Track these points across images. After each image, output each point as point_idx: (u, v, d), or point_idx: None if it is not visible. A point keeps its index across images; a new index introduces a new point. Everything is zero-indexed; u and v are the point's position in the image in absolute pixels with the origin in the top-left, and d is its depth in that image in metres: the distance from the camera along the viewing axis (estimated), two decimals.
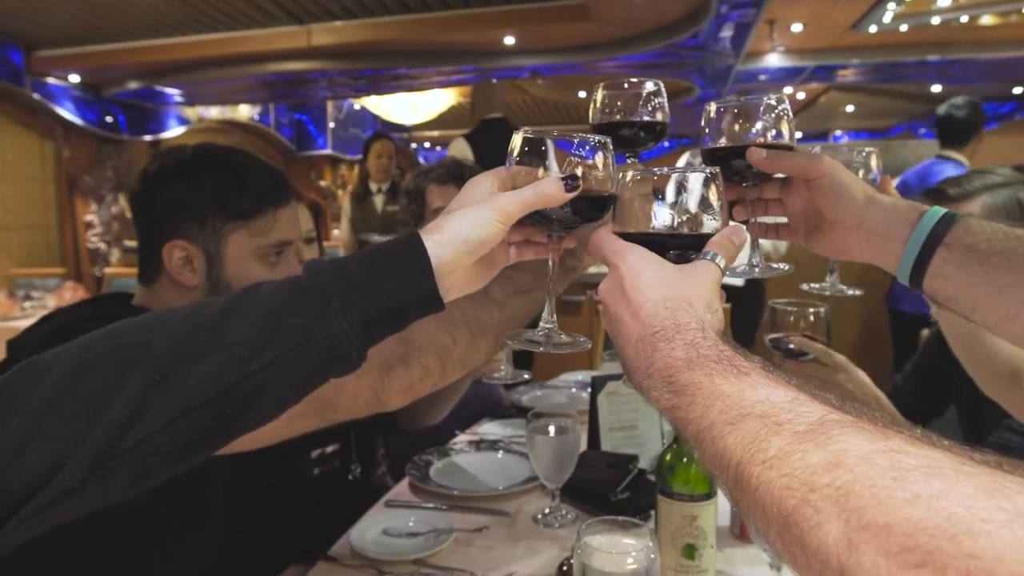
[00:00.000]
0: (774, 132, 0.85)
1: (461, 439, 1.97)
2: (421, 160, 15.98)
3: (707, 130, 0.89)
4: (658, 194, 0.72)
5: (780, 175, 0.86)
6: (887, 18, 6.39)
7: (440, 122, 12.14)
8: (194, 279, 1.20)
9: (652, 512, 1.47)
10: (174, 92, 8.54)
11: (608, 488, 1.52)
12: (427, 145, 15.94)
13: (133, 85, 7.90)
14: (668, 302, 0.64)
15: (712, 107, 0.89)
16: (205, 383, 0.61)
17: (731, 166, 0.86)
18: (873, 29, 6.65)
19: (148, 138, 8.85)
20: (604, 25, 6.11)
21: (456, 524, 1.44)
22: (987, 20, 6.58)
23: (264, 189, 1.23)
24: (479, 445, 1.88)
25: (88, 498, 0.61)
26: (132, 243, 7.17)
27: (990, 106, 10.91)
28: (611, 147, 0.77)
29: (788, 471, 0.46)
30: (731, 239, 0.70)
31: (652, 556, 0.93)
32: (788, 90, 9.73)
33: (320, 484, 1.57)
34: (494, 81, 6.88)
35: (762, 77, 8.67)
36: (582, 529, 0.97)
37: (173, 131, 9.18)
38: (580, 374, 2.59)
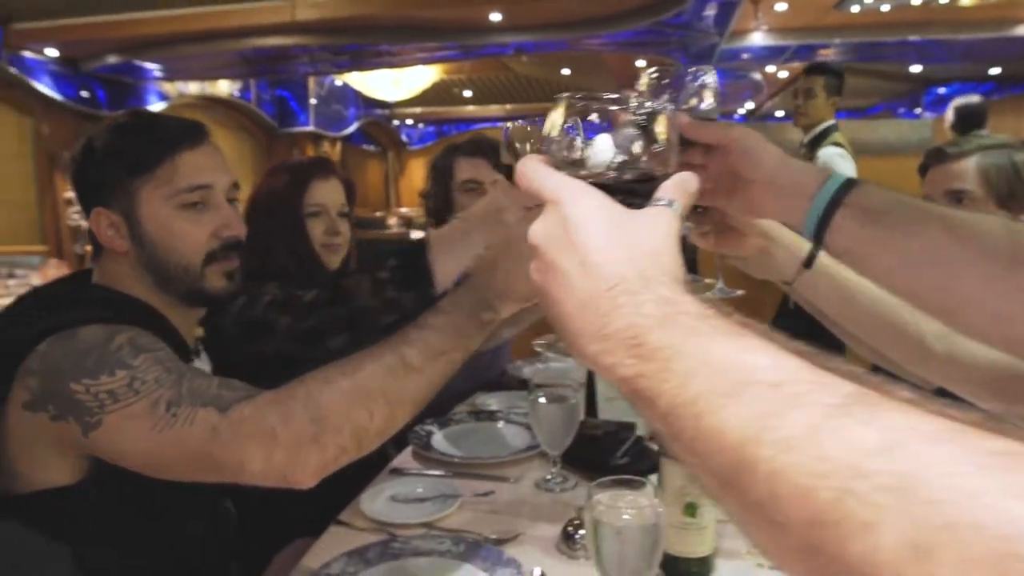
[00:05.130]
0: (699, 102, 0.94)
1: (460, 409, 2.02)
2: (403, 137, 15.86)
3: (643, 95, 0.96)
4: (601, 128, 0.61)
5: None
6: None
7: (423, 98, 12.06)
8: (124, 244, 1.21)
9: (650, 476, 1.53)
10: (154, 67, 8.40)
11: (608, 454, 1.57)
12: (410, 122, 15.78)
13: (112, 60, 7.76)
14: (628, 250, 0.51)
15: (645, 77, 0.95)
16: None
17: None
18: (855, 9, 6.70)
19: None
20: (589, 2, 6.11)
21: (461, 490, 1.49)
22: (966, 1, 6.66)
23: (161, 137, 1.22)
24: (479, 416, 1.93)
25: None
26: None
27: (967, 86, 11.07)
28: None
29: (819, 453, 0.35)
30: (684, 186, 0.59)
31: (659, 511, 0.99)
32: (771, 69, 9.80)
33: None
34: None
35: (745, 56, 8.70)
36: (592, 487, 1.03)
37: (153, 107, 9.01)
38: None
